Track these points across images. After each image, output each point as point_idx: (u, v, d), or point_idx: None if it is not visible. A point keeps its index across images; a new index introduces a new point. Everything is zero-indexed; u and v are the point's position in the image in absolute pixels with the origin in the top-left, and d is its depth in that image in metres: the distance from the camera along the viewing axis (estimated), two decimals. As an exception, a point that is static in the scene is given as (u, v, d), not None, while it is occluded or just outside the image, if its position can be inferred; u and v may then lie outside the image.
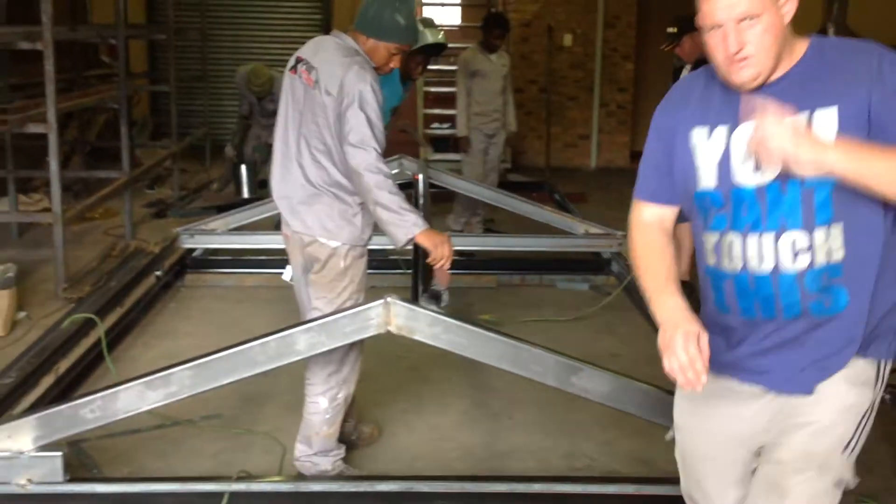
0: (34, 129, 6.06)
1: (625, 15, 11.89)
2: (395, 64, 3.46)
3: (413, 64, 6.43)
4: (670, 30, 6.05)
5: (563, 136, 12.10)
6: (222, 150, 9.25)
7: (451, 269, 6.40)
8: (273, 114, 8.12)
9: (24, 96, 7.23)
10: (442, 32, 6.55)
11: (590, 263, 6.70)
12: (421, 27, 6.42)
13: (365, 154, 3.27)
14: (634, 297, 6.07)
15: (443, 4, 12.86)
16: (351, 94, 3.28)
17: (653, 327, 5.63)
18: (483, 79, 7.57)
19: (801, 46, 2.12)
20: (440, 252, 3.34)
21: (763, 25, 2.01)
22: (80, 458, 3.74)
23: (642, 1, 11.91)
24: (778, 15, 2.03)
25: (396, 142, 10.01)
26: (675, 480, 3.46)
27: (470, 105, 7.58)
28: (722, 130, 2.14)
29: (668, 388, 3.40)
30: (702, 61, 5.85)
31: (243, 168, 8.51)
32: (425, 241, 3.35)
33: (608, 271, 6.51)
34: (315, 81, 3.39)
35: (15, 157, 7.70)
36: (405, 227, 3.31)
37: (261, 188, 8.19)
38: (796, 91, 2.07)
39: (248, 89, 8.13)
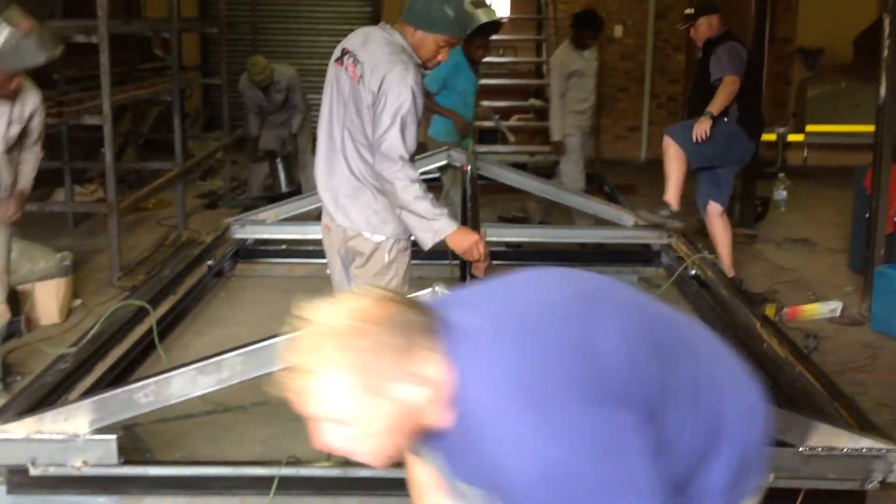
0: (90, 120, 6.18)
1: (677, 5, 11.71)
2: (442, 57, 3.40)
3: (473, 48, 6.50)
4: (688, 11, 6.20)
5: (613, 128, 12.03)
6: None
7: (496, 261, 6.45)
8: (284, 104, 8.22)
9: (79, 89, 7.37)
10: (494, 9, 6.58)
11: (639, 255, 6.64)
12: (472, 8, 6.43)
13: (391, 164, 3.28)
14: (685, 290, 6.02)
15: (492, -4, 12.83)
16: (389, 96, 3.27)
17: (702, 320, 5.58)
18: (580, 78, 7.48)
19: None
20: (470, 255, 3.35)
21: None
22: (133, 441, 3.81)
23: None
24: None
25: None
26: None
27: (564, 106, 7.48)
28: None
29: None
30: (709, 42, 5.86)
31: (279, 162, 8.46)
32: (454, 245, 3.36)
33: (658, 263, 6.45)
34: (360, 76, 3.37)
35: (71, 148, 7.85)
36: (431, 231, 3.33)
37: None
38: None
39: (250, 85, 8.12)
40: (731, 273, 5.92)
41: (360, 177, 3.45)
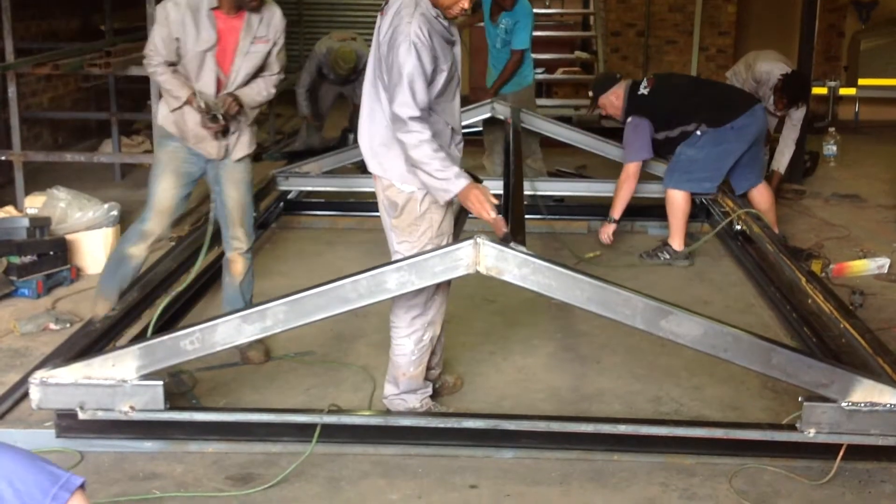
0: (136, 72, 6.20)
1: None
2: (464, 4, 3.34)
3: None
4: (589, 94, 6.40)
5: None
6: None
7: (538, 215, 6.44)
8: (352, 81, 7.99)
9: (126, 40, 7.39)
10: None
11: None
12: None
13: (401, 123, 3.31)
14: (728, 244, 5.97)
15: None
16: (395, 52, 3.28)
17: (747, 275, 5.57)
18: None
19: None
20: (477, 209, 3.33)
21: None
22: (179, 388, 3.88)
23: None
24: None
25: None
26: (766, 426, 3.47)
27: None
28: None
29: (762, 335, 3.37)
30: (630, 111, 5.80)
31: (350, 136, 8.02)
32: (463, 200, 3.36)
33: (701, 218, 6.40)
34: (380, 27, 3.42)
35: (118, 99, 7.92)
36: (442, 188, 3.34)
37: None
38: None
39: (331, 70, 7.81)
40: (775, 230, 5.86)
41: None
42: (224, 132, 4.02)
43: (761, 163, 6.12)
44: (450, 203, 3.54)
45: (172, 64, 3.98)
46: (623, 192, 5.90)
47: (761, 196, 5.96)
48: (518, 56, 6.95)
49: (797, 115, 6.84)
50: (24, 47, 6.86)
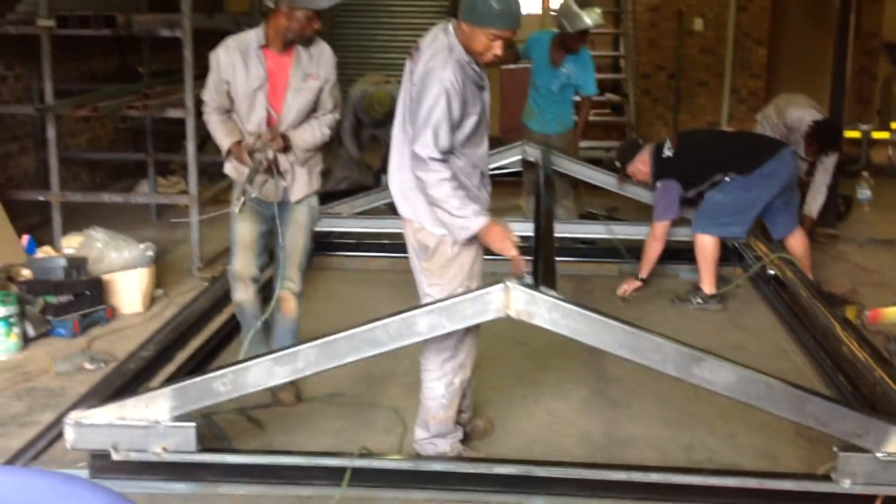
0: (173, 113, 6.30)
1: (758, -1, 11.54)
2: (496, 51, 3.35)
3: (570, 41, 6.63)
4: (616, 163, 6.44)
5: (691, 124, 11.84)
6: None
7: (570, 258, 6.42)
8: (386, 123, 7.98)
9: (164, 82, 7.52)
10: (598, 11, 6.65)
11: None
12: (577, 8, 6.51)
13: (421, 163, 3.34)
14: (762, 288, 5.93)
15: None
16: (424, 95, 3.31)
17: (780, 321, 5.51)
18: None
19: None
20: (498, 247, 3.36)
21: None
22: (211, 429, 3.90)
23: (777, -16, 11.54)
24: None
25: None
26: (801, 476, 3.43)
27: None
28: None
29: (795, 383, 3.33)
30: (658, 175, 5.85)
31: (383, 177, 8.06)
32: (482, 237, 3.40)
33: (733, 262, 6.37)
34: (412, 73, 3.46)
35: (154, 140, 8.04)
36: (461, 225, 3.37)
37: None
38: None
39: (367, 113, 7.73)
40: (809, 276, 5.82)
41: None
42: (272, 171, 4.00)
43: (796, 207, 6.09)
44: (480, 246, 3.56)
45: (228, 111, 4.04)
46: (651, 252, 5.93)
47: (796, 241, 5.93)
48: (591, 101, 7.06)
49: (828, 161, 6.83)
50: (63, 89, 7.00)
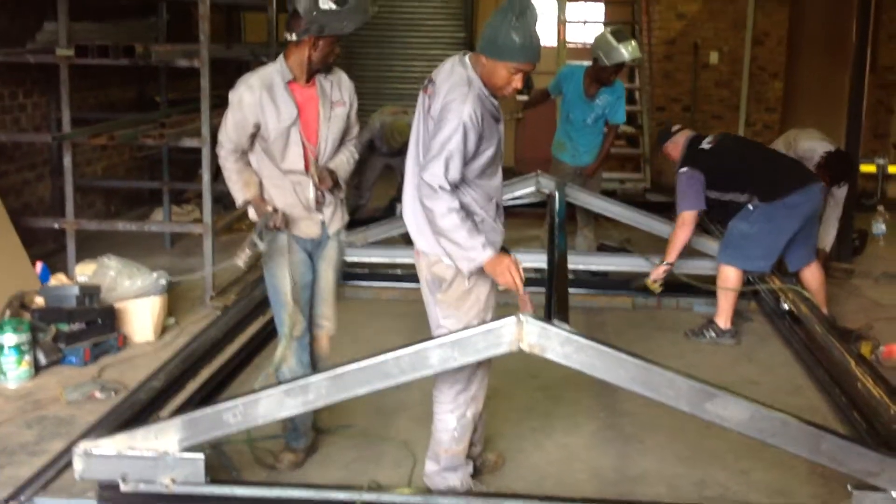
0: (189, 143, 6.34)
1: (774, 31, 11.55)
2: (516, 84, 3.37)
3: (606, 74, 6.66)
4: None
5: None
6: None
7: (581, 289, 6.40)
8: (401, 153, 8.01)
9: (180, 111, 7.58)
10: (636, 45, 6.69)
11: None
12: (615, 42, 6.55)
13: (430, 192, 3.31)
14: (776, 323, 5.90)
15: (584, 22, 12.81)
16: (441, 126, 3.30)
17: (795, 356, 5.47)
18: None
19: None
20: (504, 280, 3.33)
21: None
22: (220, 460, 3.88)
23: (793, 17, 11.55)
24: None
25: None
26: (813, 515, 3.38)
27: None
28: None
29: (809, 420, 3.30)
30: (687, 161, 5.83)
31: (398, 206, 8.03)
32: (490, 270, 3.36)
33: (748, 296, 6.33)
34: (430, 107, 3.44)
35: (170, 169, 8.08)
36: (468, 257, 3.34)
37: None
38: None
39: (385, 143, 7.77)
40: (824, 311, 5.78)
41: None
42: (279, 228, 3.86)
43: (815, 241, 6.05)
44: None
45: (244, 151, 3.88)
46: (678, 237, 5.84)
47: (812, 275, 5.88)
48: (616, 131, 7.10)
49: (840, 193, 6.81)
50: (80, 117, 7.07)
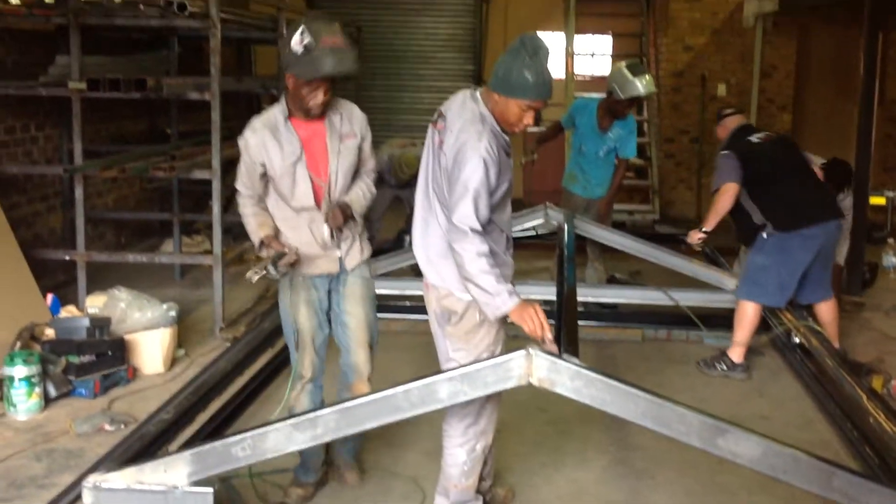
0: (200, 175, 6.38)
1: (782, 65, 11.59)
2: (528, 121, 3.40)
3: (620, 107, 6.68)
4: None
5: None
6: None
7: (593, 321, 6.38)
8: (409, 185, 8.05)
9: (191, 143, 7.62)
10: (651, 78, 6.71)
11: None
12: (630, 75, 6.57)
13: (461, 235, 3.31)
14: (787, 357, 5.87)
15: (592, 55, 12.89)
16: (461, 166, 3.31)
17: (806, 390, 5.43)
18: None
19: None
20: (529, 327, 3.31)
21: None
22: (229, 494, 3.87)
23: (801, 51, 11.60)
24: None
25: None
26: (826, 553, 3.34)
27: None
28: None
29: (822, 457, 3.27)
30: (730, 146, 5.80)
31: (406, 238, 8.01)
32: (515, 318, 3.34)
33: (760, 329, 6.30)
34: (442, 141, 3.44)
35: (180, 200, 8.12)
36: (495, 304, 3.32)
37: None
38: None
39: (392, 175, 7.78)
40: (836, 345, 5.75)
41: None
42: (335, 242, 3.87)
43: (829, 279, 5.95)
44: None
45: (262, 196, 3.88)
46: (717, 205, 5.75)
47: (826, 308, 5.84)
48: (626, 165, 7.13)
49: (846, 202, 6.77)
50: (91, 149, 7.11)
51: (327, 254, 3.90)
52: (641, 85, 6.60)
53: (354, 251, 3.97)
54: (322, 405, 4.00)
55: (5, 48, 6.80)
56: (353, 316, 3.98)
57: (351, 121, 3.89)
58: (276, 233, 3.86)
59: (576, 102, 7.30)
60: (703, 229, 5.86)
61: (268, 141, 3.77)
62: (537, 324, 3.29)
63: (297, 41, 3.58)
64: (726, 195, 5.71)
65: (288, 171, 3.78)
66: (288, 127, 3.79)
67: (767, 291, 5.68)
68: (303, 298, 3.93)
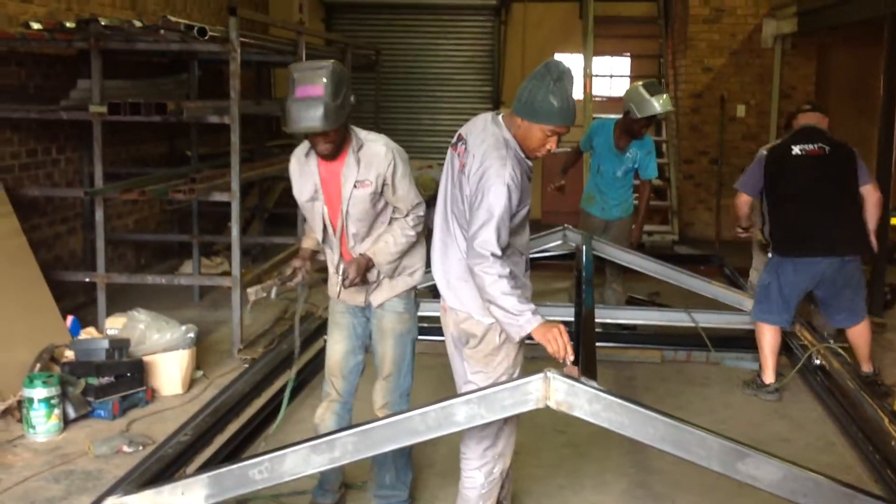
0: (219, 197, 6.41)
1: (801, 85, 11.56)
2: (551, 146, 3.40)
3: (637, 126, 6.67)
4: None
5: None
6: None
7: (612, 343, 6.36)
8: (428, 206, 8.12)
9: (210, 166, 7.67)
10: (669, 98, 6.70)
11: (760, 341, 6.47)
12: (647, 94, 6.56)
13: (482, 259, 3.30)
14: (809, 380, 5.82)
15: (611, 76, 12.91)
16: (485, 192, 3.30)
17: (827, 412, 5.37)
18: None
19: None
20: (553, 347, 3.30)
21: None
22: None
23: (820, 72, 11.57)
24: None
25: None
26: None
27: None
28: None
29: (843, 481, 3.24)
30: (773, 146, 5.72)
31: None
32: (539, 338, 3.33)
33: (781, 351, 6.25)
34: (464, 165, 3.44)
35: (200, 221, 8.16)
36: (518, 324, 3.31)
37: None
38: None
39: None
40: (867, 367, 5.70)
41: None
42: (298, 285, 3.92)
43: (860, 304, 5.77)
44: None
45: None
46: (735, 210, 6.05)
47: (856, 332, 5.75)
48: (650, 186, 7.13)
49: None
50: (112, 172, 7.16)
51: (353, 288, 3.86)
52: (658, 104, 6.58)
53: (382, 289, 3.89)
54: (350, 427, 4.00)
55: (28, 72, 6.88)
56: (378, 349, 3.98)
57: (369, 167, 3.71)
58: (317, 249, 3.95)
59: (593, 124, 7.30)
60: (740, 226, 6.07)
61: (296, 171, 3.85)
62: (561, 345, 3.28)
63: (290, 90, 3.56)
64: (739, 202, 5.91)
65: (306, 207, 3.85)
66: (311, 163, 3.79)
67: (772, 310, 5.67)
68: (336, 321, 3.97)
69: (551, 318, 3.40)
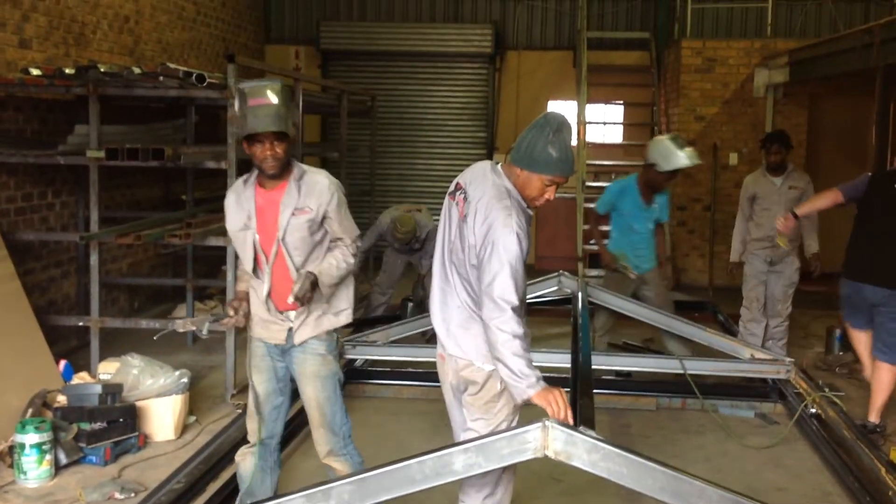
0: (215, 242, 6.41)
1: (794, 134, 11.57)
2: (549, 195, 3.43)
3: (661, 179, 6.65)
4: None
5: (727, 255, 11.81)
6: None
7: (606, 389, 6.35)
8: (417, 250, 8.17)
9: (205, 210, 7.68)
10: (695, 152, 6.71)
11: (756, 390, 6.46)
12: (675, 147, 6.55)
13: (500, 312, 3.29)
14: (805, 427, 5.80)
15: (605, 123, 13.01)
16: (496, 244, 3.31)
17: (823, 462, 5.35)
18: (758, 202, 7.47)
19: None
20: (552, 410, 3.28)
21: None
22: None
23: (812, 121, 11.68)
24: None
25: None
26: None
27: (747, 230, 7.60)
28: None
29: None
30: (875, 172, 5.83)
31: (409, 305, 8.12)
32: (540, 402, 3.31)
33: (776, 399, 6.25)
34: (465, 215, 3.45)
35: (194, 265, 8.15)
36: (521, 388, 3.30)
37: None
38: None
39: (392, 236, 7.93)
40: (875, 417, 5.67)
41: (470, 308, 3.49)
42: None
43: (887, 339, 5.67)
44: None
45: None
46: (818, 199, 6.12)
47: (880, 373, 5.69)
48: (664, 229, 7.22)
49: None
50: (107, 216, 7.17)
51: (277, 321, 3.87)
52: (686, 156, 6.57)
53: (308, 324, 3.88)
54: (276, 467, 4.08)
55: (25, 117, 6.91)
56: (304, 395, 3.96)
57: (310, 195, 3.78)
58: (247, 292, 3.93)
59: (610, 188, 7.08)
60: (794, 211, 6.17)
61: (231, 203, 3.89)
62: (560, 407, 3.27)
63: (237, 106, 3.73)
64: (828, 194, 5.96)
65: (236, 235, 3.86)
66: (248, 191, 3.85)
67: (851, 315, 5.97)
68: (255, 363, 3.95)
69: (547, 366, 3.41)
